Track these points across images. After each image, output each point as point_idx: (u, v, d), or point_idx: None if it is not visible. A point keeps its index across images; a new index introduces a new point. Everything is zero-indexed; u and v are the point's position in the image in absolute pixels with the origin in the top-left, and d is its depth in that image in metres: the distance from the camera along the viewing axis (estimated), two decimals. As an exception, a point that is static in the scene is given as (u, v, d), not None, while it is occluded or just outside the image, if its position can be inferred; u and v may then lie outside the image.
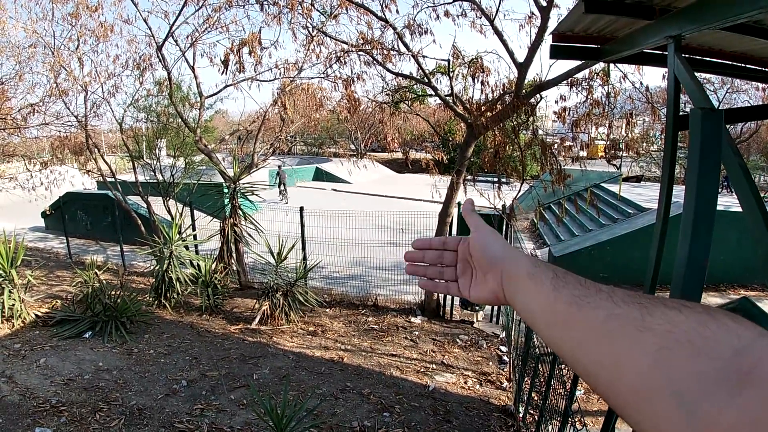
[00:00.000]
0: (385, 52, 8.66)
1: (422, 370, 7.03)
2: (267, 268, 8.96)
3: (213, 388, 5.71)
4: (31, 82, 11.74)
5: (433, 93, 8.84)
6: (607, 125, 9.04)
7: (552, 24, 6.62)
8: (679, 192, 3.35)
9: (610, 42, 3.76)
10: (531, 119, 8.67)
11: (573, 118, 8.76)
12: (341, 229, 10.41)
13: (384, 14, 8.46)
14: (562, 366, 4.48)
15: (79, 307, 7.56)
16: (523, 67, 7.57)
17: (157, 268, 8.97)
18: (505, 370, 7.28)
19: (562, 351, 0.60)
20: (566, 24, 3.60)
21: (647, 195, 15.49)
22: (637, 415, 0.46)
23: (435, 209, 9.64)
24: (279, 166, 22.48)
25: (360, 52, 8.83)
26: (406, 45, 8.54)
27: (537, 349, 5.69)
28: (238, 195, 9.84)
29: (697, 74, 2.94)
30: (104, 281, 8.05)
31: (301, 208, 9.88)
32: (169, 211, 12.39)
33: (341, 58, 9.14)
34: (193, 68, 10.27)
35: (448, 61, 8.58)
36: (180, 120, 11.31)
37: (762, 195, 2.61)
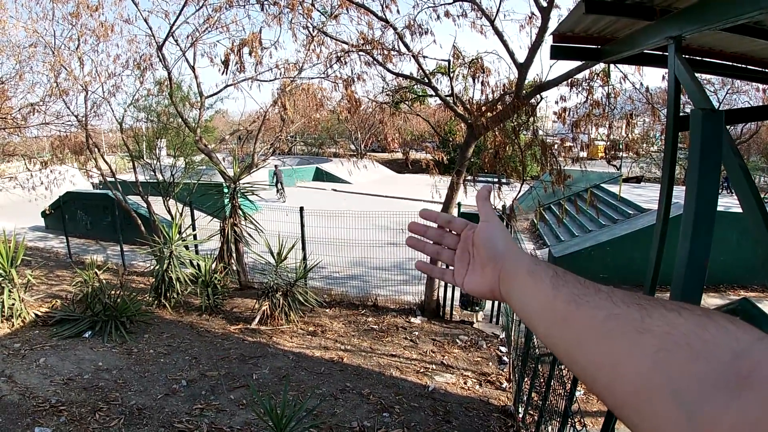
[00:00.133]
0: (386, 52, 8.65)
1: (422, 370, 7.03)
2: (267, 268, 8.96)
3: (213, 388, 5.71)
4: (31, 82, 11.75)
5: (434, 93, 8.84)
6: (607, 126, 9.03)
7: (552, 24, 6.62)
8: (679, 193, 3.35)
9: (610, 42, 3.77)
10: (531, 120, 8.67)
11: (573, 119, 8.76)
12: (341, 229, 10.40)
13: (384, 14, 8.46)
14: (562, 367, 4.48)
15: (78, 307, 7.56)
16: (523, 68, 7.57)
17: (157, 267, 8.97)
18: (504, 370, 7.28)
19: (560, 350, 0.60)
20: (566, 24, 3.60)
21: (647, 196, 15.49)
22: (636, 416, 0.46)
23: (435, 209, 9.63)
24: (276, 166, 22.49)
25: (360, 53, 8.83)
26: (406, 45, 8.54)
27: (537, 350, 5.69)
28: (238, 195, 9.84)
29: (697, 75, 2.94)
30: (104, 281, 8.05)
31: (301, 208, 9.88)
32: (169, 211, 12.39)
33: (341, 59, 9.13)
34: (193, 68, 10.27)
35: (449, 61, 8.58)
36: (180, 120, 11.30)
37: (762, 196, 2.61)
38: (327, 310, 9.47)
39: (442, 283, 9.39)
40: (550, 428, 4.46)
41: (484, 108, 8.67)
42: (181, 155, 13.77)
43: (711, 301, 10.16)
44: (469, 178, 9.49)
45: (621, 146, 10.23)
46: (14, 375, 5.44)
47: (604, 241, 12.20)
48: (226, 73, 9.54)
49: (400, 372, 6.91)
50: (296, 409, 4.41)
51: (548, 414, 4.52)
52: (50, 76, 11.19)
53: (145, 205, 12.35)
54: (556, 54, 3.98)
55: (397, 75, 9.30)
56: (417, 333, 8.52)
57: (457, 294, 9.27)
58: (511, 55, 7.74)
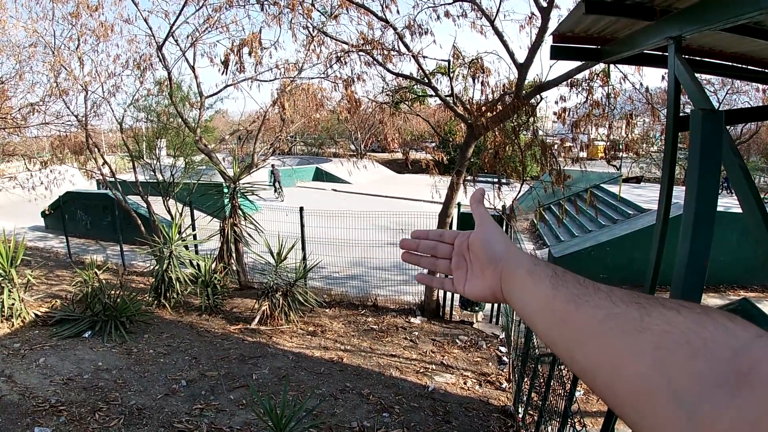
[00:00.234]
0: (386, 52, 8.66)
1: (422, 370, 7.03)
2: (267, 268, 8.96)
3: (212, 388, 5.71)
4: (31, 82, 11.74)
5: (434, 93, 8.84)
6: (607, 126, 9.03)
7: (552, 25, 6.62)
8: (679, 193, 3.35)
9: (610, 43, 3.77)
10: (531, 120, 8.67)
11: (573, 119, 8.76)
12: (341, 230, 10.40)
13: (384, 14, 8.47)
14: (562, 367, 4.48)
15: (78, 307, 7.56)
16: (523, 68, 7.57)
17: (157, 267, 8.97)
18: (504, 370, 7.28)
19: (560, 349, 0.60)
20: (566, 25, 3.60)
21: (647, 196, 15.50)
22: (636, 415, 0.46)
23: (435, 210, 9.64)
24: (273, 165, 22.50)
25: (360, 53, 8.84)
26: (406, 45, 8.55)
27: (536, 350, 5.69)
28: (238, 195, 9.84)
29: (697, 75, 2.94)
30: (104, 281, 8.05)
31: (301, 209, 9.88)
32: (168, 211, 12.39)
33: (341, 59, 9.14)
34: (193, 68, 10.27)
35: (449, 61, 8.58)
36: (180, 120, 11.30)
37: (762, 196, 2.61)
38: (327, 310, 9.47)
39: (443, 285, 9.38)
40: (549, 428, 4.46)
41: (484, 108, 8.67)
42: (181, 155, 13.77)
43: (711, 301, 10.17)
44: (469, 178, 9.49)
45: (621, 146, 10.24)
46: (14, 375, 5.44)
47: (604, 241, 12.20)
48: (226, 74, 9.55)
49: (400, 372, 6.91)
50: (296, 409, 4.41)
51: (548, 414, 4.52)
52: (50, 76, 11.19)
53: (144, 205, 12.35)
54: (556, 54, 3.97)
55: (397, 75, 9.30)
56: (417, 333, 8.52)
57: (457, 294, 9.24)
58: (511, 55, 7.75)
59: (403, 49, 8.60)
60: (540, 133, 9.17)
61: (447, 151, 17.96)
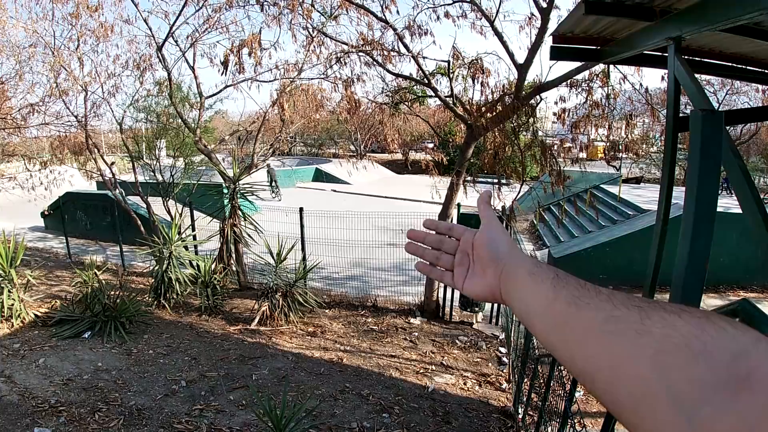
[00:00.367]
0: (385, 53, 8.66)
1: (421, 371, 7.03)
2: (266, 268, 8.96)
3: (212, 389, 5.71)
4: (31, 82, 11.73)
5: (433, 94, 8.84)
6: (606, 126, 9.04)
7: (552, 25, 6.63)
8: (678, 193, 3.35)
9: (610, 43, 3.77)
10: (531, 120, 8.67)
11: (573, 120, 8.77)
12: (341, 230, 10.40)
13: (384, 15, 8.47)
14: (562, 367, 4.48)
15: (78, 307, 7.56)
16: (523, 69, 7.57)
17: (157, 268, 8.97)
18: (504, 371, 7.28)
19: (560, 352, 0.60)
20: (566, 25, 3.60)
21: (647, 196, 15.50)
22: (635, 419, 0.46)
23: (434, 210, 9.64)
24: (268, 164, 22.52)
25: (360, 53, 8.84)
26: (406, 46, 8.55)
27: (536, 351, 5.69)
28: (238, 195, 9.84)
29: (697, 76, 2.94)
30: (103, 281, 8.06)
31: (301, 209, 9.88)
32: (168, 212, 12.39)
33: (341, 59, 9.14)
34: (193, 68, 10.28)
35: (448, 62, 8.58)
36: (180, 120, 11.30)
37: (762, 196, 2.61)
38: (326, 311, 9.47)
39: (442, 284, 9.39)
40: (549, 429, 4.46)
41: (483, 109, 8.68)
42: (180, 156, 13.77)
43: (711, 301, 10.17)
44: (468, 178, 9.48)
45: (620, 147, 10.24)
46: (14, 375, 5.44)
47: (604, 241, 12.20)
48: (226, 74, 9.57)
49: (400, 373, 6.91)
50: (296, 410, 4.41)
51: (548, 415, 4.52)
52: (50, 76, 11.19)
53: (144, 206, 12.35)
54: (556, 55, 3.97)
55: (397, 76, 9.30)
56: (416, 334, 8.52)
57: (457, 295, 9.26)
58: (511, 55, 7.75)
59: (403, 50, 8.61)
60: (540, 133, 9.18)
61: (447, 152, 17.97)
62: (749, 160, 25.41)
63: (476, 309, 9.15)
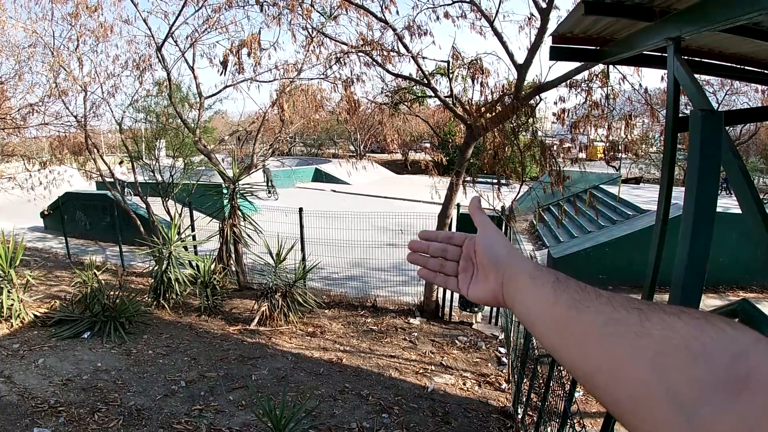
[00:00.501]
0: (385, 53, 8.66)
1: (421, 371, 7.03)
2: (266, 268, 8.96)
3: (212, 389, 5.71)
4: (30, 82, 11.72)
5: (433, 94, 8.84)
6: (606, 127, 9.04)
7: (551, 25, 6.63)
8: (678, 194, 3.34)
9: (609, 43, 3.77)
10: (530, 121, 8.68)
11: (572, 120, 8.77)
12: (340, 230, 10.39)
13: (384, 15, 8.47)
14: (561, 368, 4.48)
15: (77, 308, 7.55)
16: (522, 69, 7.57)
17: (156, 268, 8.97)
18: (503, 371, 7.28)
19: (561, 355, 0.60)
20: (566, 25, 3.60)
21: (646, 196, 15.52)
22: (635, 420, 0.46)
23: (434, 210, 9.64)
24: (264, 164, 22.55)
25: (360, 54, 8.84)
26: (405, 46, 8.55)
27: (536, 351, 5.69)
28: (237, 196, 9.83)
29: (696, 76, 2.94)
30: (103, 281, 8.05)
31: (300, 209, 9.88)
32: (168, 212, 12.38)
33: (341, 60, 9.14)
34: (192, 69, 10.27)
35: (448, 62, 8.58)
36: (179, 120, 11.30)
37: (761, 197, 2.61)
38: (326, 311, 9.46)
39: (442, 285, 9.38)
40: (549, 429, 4.46)
41: (483, 109, 8.68)
42: (180, 156, 13.77)
43: (710, 302, 10.17)
44: (468, 179, 9.49)
45: (620, 147, 10.25)
46: (13, 375, 5.44)
47: (603, 242, 12.20)
48: (225, 74, 9.57)
49: (399, 373, 6.91)
50: (295, 410, 4.41)
51: (547, 415, 4.52)
52: (49, 76, 11.17)
53: (144, 206, 12.34)
54: (556, 55, 3.98)
55: (397, 76, 9.30)
56: (416, 334, 8.52)
57: (456, 295, 9.25)
58: (511, 56, 7.75)
59: (403, 50, 8.61)
60: (539, 133, 9.19)
61: (446, 152, 17.98)
62: (748, 160, 25.43)
63: (476, 309, 9.15)
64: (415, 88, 10.41)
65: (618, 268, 11.49)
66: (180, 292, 8.84)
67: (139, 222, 12.19)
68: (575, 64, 7.08)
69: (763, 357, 0.41)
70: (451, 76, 8.66)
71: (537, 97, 8.21)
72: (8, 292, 7.23)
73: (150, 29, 10.18)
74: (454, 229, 9.33)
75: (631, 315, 0.51)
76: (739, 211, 2.80)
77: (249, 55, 8.95)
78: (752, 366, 0.40)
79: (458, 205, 9.11)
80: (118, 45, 12.32)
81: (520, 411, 5.79)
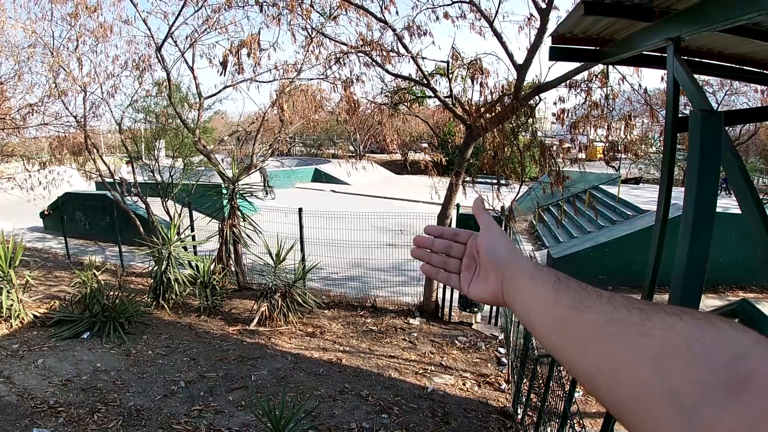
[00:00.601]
0: (385, 53, 8.66)
1: (421, 371, 7.03)
2: (265, 269, 8.96)
3: (211, 389, 5.70)
4: (30, 82, 11.72)
5: (433, 94, 8.84)
6: (605, 127, 9.04)
7: (551, 26, 6.63)
8: (678, 194, 3.34)
9: (609, 44, 3.77)
10: (530, 121, 8.68)
11: (572, 120, 8.77)
12: (340, 231, 10.40)
13: (383, 16, 8.48)
14: (561, 368, 4.48)
15: (77, 308, 7.54)
16: (522, 69, 7.57)
17: (156, 268, 8.96)
18: (503, 371, 7.28)
19: (561, 355, 0.60)
20: (565, 26, 3.60)
21: (646, 197, 15.52)
22: (636, 420, 0.46)
23: (434, 210, 9.64)
24: (261, 165, 22.54)
25: (359, 54, 8.84)
26: (405, 46, 8.55)
27: (535, 351, 5.69)
28: (237, 196, 9.83)
29: (696, 76, 2.94)
30: (102, 282, 8.05)
31: (300, 210, 9.88)
32: (167, 212, 12.37)
33: (340, 60, 9.15)
34: (192, 69, 10.27)
35: (448, 62, 8.58)
36: (179, 121, 11.29)
37: (761, 197, 2.61)
38: (326, 312, 9.46)
39: (441, 285, 9.40)
40: (549, 429, 4.46)
41: (482, 109, 8.69)
42: (179, 156, 13.76)
43: (710, 302, 10.17)
44: (468, 179, 9.49)
45: (619, 147, 10.26)
46: (12, 376, 5.43)
47: (603, 242, 12.20)
48: (225, 75, 9.57)
49: (399, 373, 6.91)
50: (295, 411, 4.41)
51: (547, 415, 4.52)
52: (49, 76, 11.17)
53: (143, 206, 12.34)
54: (555, 55, 3.97)
55: (396, 76, 9.30)
56: (416, 334, 8.52)
57: (456, 295, 9.26)
58: (510, 56, 7.75)
59: (402, 51, 8.61)
60: (539, 134, 9.19)
61: (446, 152, 17.98)
62: (748, 160, 25.44)
63: (475, 309, 9.15)
64: (414, 88, 10.42)
65: (617, 269, 11.49)
66: (179, 292, 8.84)
67: (138, 222, 12.19)
68: (575, 65, 7.08)
69: (763, 358, 0.41)
70: (450, 76, 8.66)
71: (536, 97, 8.21)
72: (8, 292, 7.23)
73: (149, 29, 10.20)
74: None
75: (632, 315, 0.51)
76: (738, 211, 2.80)
77: (248, 55, 8.95)
78: (752, 367, 0.40)
79: (458, 206, 9.11)
80: (117, 45, 12.38)
81: (519, 411, 5.79)
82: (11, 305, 7.18)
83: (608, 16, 3.15)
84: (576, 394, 4.31)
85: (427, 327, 8.94)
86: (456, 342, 8.25)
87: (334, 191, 27.05)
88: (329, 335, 8.32)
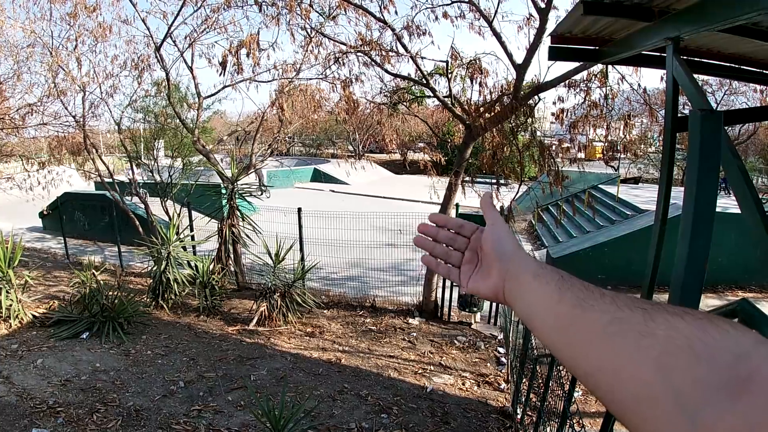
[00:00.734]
0: (384, 53, 8.66)
1: (420, 371, 7.03)
2: (265, 269, 8.95)
3: (210, 389, 5.70)
4: (29, 82, 11.71)
5: (432, 94, 8.84)
6: (605, 127, 9.05)
7: (550, 25, 6.63)
8: (677, 193, 3.34)
9: (608, 44, 3.76)
10: (529, 120, 8.68)
11: (571, 120, 8.77)
12: (339, 231, 10.40)
13: (382, 15, 8.47)
14: (560, 367, 4.47)
15: (76, 308, 7.54)
16: (521, 69, 7.57)
17: (155, 268, 8.96)
18: (503, 371, 7.28)
19: (563, 353, 0.60)
20: (565, 26, 3.60)
21: (645, 196, 15.52)
22: (637, 420, 0.46)
23: (433, 210, 9.61)
24: (256, 165, 22.55)
25: (358, 54, 8.84)
26: (404, 46, 8.55)
27: (535, 351, 5.69)
28: (236, 196, 9.82)
29: (695, 76, 2.94)
30: (102, 282, 8.03)
31: (299, 210, 9.87)
32: (166, 212, 12.37)
33: (339, 60, 9.14)
34: (191, 69, 10.27)
35: (447, 62, 8.58)
36: (178, 120, 11.29)
37: (760, 197, 2.61)
38: (325, 311, 9.46)
39: (440, 284, 9.40)
40: (548, 429, 4.46)
41: (482, 109, 8.69)
42: (178, 156, 13.76)
43: (709, 301, 10.18)
44: (467, 179, 9.49)
45: (619, 147, 10.26)
46: (12, 376, 5.43)
47: (602, 242, 12.21)
48: (224, 75, 9.56)
49: (398, 373, 6.90)
50: (294, 411, 4.40)
51: (546, 415, 4.52)
52: (48, 76, 11.16)
53: (142, 206, 12.33)
54: (555, 55, 3.97)
55: (395, 76, 9.30)
56: (415, 334, 8.52)
57: (456, 295, 9.26)
58: (509, 56, 7.75)
59: (402, 50, 8.61)
60: (538, 133, 9.19)
61: (445, 152, 17.98)
62: (747, 160, 25.46)
63: (474, 309, 9.14)
64: (413, 88, 10.41)
65: (617, 268, 11.50)
66: (179, 292, 8.84)
67: (137, 222, 12.18)
68: (574, 64, 7.08)
69: (764, 359, 0.41)
70: (449, 76, 8.66)
71: (536, 97, 8.22)
72: (7, 292, 7.22)
73: (149, 29, 10.19)
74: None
75: (635, 314, 0.51)
76: (738, 210, 2.80)
77: (248, 55, 8.95)
78: (754, 368, 0.40)
79: (457, 205, 9.11)
80: (116, 45, 12.38)
81: (519, 411, 5.79)
82: (10, 305, 7.17)
83: (607, 15, 3.14)
84: (575, 394, 4.31)
85: (426, 327, 8.94)
86: (455, 342, 8.25)
87: (333, 191, 27.05)
88: (328, 335, 8.32)
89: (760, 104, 10.00)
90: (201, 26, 9.81)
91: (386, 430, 5.19)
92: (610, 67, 7.34)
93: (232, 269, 10.32)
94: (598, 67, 7.73)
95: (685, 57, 3.46)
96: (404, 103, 10.45)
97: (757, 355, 0.41)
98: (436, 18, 8.38)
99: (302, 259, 9.60)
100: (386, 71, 8.99)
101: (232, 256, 10.15)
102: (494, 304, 9.19)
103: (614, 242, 11.94)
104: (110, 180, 12.61)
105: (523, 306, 0.71)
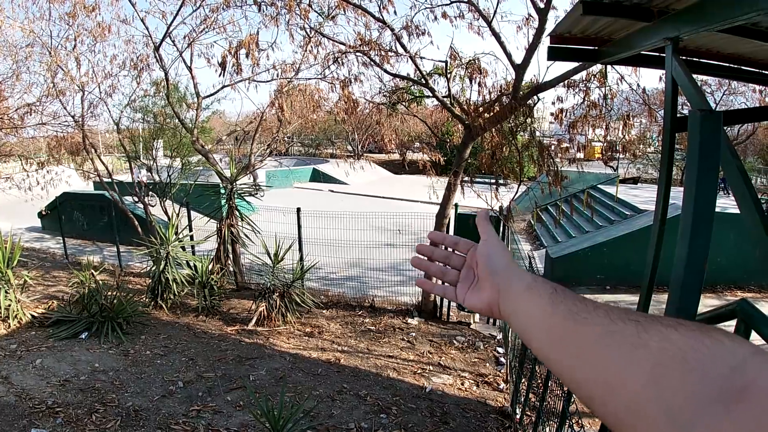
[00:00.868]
0: (383, 53, 8.67)
1: (419, 371, 7.03)
2: (264, 269, 8.94)
3: (209, 390, 5.69)
4: (28, 82, 11.71)
5: (431, 94, 8.85)
6: (604, 127, 9.05)
7: (549, 26, 6.64)
8: (676, 194, 3.34)
9: (607, 44, 3.77)
10: (528, 121, 8.68)
11: (570, 120, 8.78)
12: (338, 230, 10.39)
13: (382, 15, 8.48)
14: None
15: (75, 308, 7.53)
16: (520, 69, 7.58)
17: (154, 268, 8.95)
18: (502, 371, 7.28)
19: (557, 366, 0.60)
20: (564, 26, 3.60)
21: (644, 196, 15.54)
22: None
23: (432, 210, 9.64)
24: (253, 166, 22.56)
25: (357, 53, 8.85)
26: (403, 46, 8.56)
27: (534, 351, 5.67)
28: (235, 196, 9.82)
29: (694, 76, 2.94)
30: (101, 282, 8.03)
31: (298, 210, 9.87)
32: (165, 212, 12.36)
33: (339, 59, 9.14)
34: (190, 69, 10.26)
35: (446, 62, 8.58)
36: (177, 120, 11.28)
37: (759, 197, 2.61)
38: (324, 311, 9.45)
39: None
40: (547, 429, 4.46)
41: (481, 109, 8.69)
42: (177, 156, 13.75)
43: (708, 302, 10.18)
44: (466, 179, 9.49)
45: (618, 147, 10.27)
46: (11, 376, 5.42)
47: (601, 242, 12.20)
48: (224, 75, 9.55)
49: (398, 373, 6.90)
50: (293, 411, 4.40)
51: (546, 415, 4.52)
52: (47, 76, 11.16)
53: (141, 206, 12.32)
54: (554, 55, 3.97)
55: (395, 76, 9.31)
56: (414, 334, 8.52)
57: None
58: (509, 56, 7.76)
59: (401, 50, 8.61)
60: (537, 133, 9.19)
61: (444, 152, 17.99)
62: (746, 160, 25.50)
63: (474, 309, 9.12)
64: (412, 88, 10.42)
65: (616, 268, 11.49)
66: (178, 292, 8.83)
67: (136, 222, 12.17)
68: (573, 64, 7.09)
69: (759, 370, 0.40)
70: (448, 76, 8.66)
71: (535, 97, 8.22)
72: (6, 292, 7.21)
73: (148, 29, 10.19)
74: (451, 228, 9.33)
75: (628, 327, 0.51)
76: (737, 211, 2.80)
77: (247, 55, 8.95)
78: (749, 378, 0.40)
79: (456, 205, 9.11)
80: (115, 45, 12.35)
81: (518, 411, 5.79)
82: (9, 305, 7.16)
83: (607, 15, 3.14)
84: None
85: (425, 327, 8.94)
86: (454, 342, 8.25)
87: (332, 191, 27.06)
88: (327, 335, 8.31)
89: (759, 104, 10.01)
90: (200, 26, 9.82)
91: (385, 430, 5.19)
92: (609, 67, 7.34)
93: (231, 269, 10.31)
94: (597, 68, 7.73)
95: (684, 57, 3.47)
96: (403, 103, 10.45)
97: (752, 366, 0.41)
98: (435, 18, 8.40)
99: (301, 259, 9.60)
100: (385, 71, 9.00)
101: (231, 256, 10.14)
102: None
103: (613, 242, 11.94)
104: (109, 180, 12.61)
105: (517, 319, 0.71)
